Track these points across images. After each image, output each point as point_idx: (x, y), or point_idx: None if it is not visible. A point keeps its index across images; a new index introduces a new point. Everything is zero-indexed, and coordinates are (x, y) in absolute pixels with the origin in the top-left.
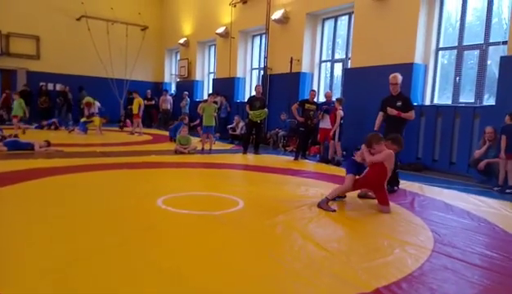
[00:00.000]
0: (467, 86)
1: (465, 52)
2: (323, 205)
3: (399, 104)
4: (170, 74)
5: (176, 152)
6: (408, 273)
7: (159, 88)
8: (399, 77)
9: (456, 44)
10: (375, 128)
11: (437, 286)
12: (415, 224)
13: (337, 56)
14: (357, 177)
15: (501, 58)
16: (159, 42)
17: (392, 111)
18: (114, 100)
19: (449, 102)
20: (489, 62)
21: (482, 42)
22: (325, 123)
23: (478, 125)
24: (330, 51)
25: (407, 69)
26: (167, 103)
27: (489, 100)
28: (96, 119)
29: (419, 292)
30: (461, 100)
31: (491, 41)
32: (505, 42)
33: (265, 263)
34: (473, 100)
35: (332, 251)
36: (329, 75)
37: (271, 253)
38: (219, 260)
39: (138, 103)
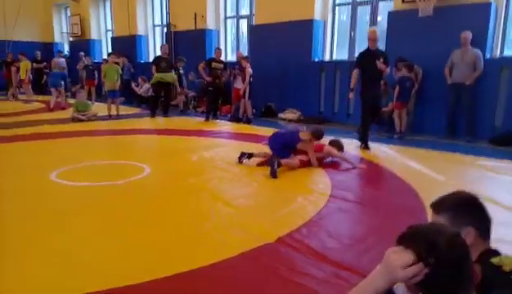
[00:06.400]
0: (362, 41)
1: (359, 8)
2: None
3: (381, 60)
4: (61, 33)
5: (73, 120)
6: (308, 219)
7: (49, 49)
8: (377, 32)
9: (351, 0)
10: (351, 86)
11: (332, 228)
12: (315, 174)
13: (242, 13)
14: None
15: (389, 13)
16: None
17: (381, 65)
18: None
19: (346, 57)
20: (379, 18)
21: None
22: (239, 83)
23: None
24: (234, 7)
25: (307, 25)
26: (60, 65)
27: None
28: None
29: (317, 236)
30: (356, 54)
31: None
32: None
33: (173, 228)
34: None
35: (240, 208)
36: (235, 32)
37: (180, 218)
38: (118, 232)
39: (25, 66)
